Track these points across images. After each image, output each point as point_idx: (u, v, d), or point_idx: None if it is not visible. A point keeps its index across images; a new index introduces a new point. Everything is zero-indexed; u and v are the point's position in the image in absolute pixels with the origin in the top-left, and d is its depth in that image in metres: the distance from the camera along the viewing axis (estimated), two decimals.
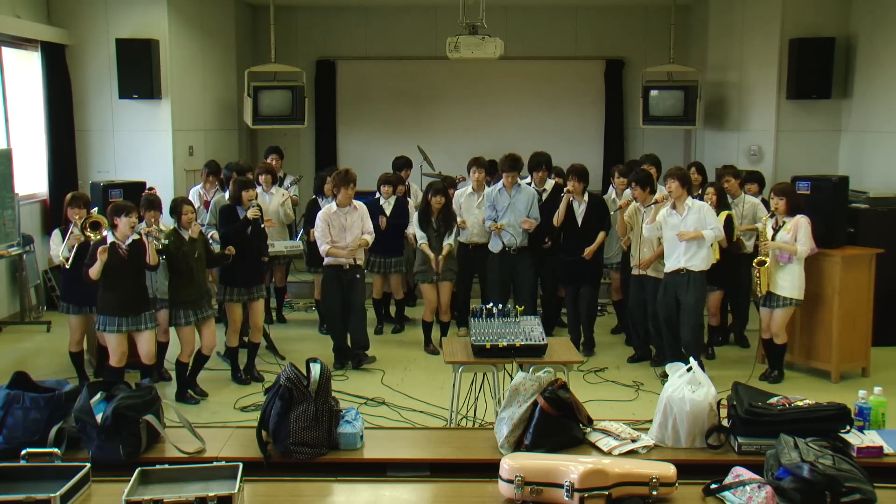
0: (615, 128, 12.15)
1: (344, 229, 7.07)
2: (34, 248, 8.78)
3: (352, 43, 12.11)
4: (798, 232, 6.46)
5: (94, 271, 5.70)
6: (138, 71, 9.26)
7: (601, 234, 7.39)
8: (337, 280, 7.14)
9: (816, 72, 9.42)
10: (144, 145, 9.62)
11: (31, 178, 9.12)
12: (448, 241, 7.49)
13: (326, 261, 7.17)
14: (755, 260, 6.64)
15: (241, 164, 8.66)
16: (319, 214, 7.16)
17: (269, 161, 8.75)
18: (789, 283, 6.54)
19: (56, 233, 6.48)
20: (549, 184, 7.86)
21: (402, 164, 8.92)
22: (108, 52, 9.38)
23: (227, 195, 7.60)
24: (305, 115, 10.78)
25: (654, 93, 10.72)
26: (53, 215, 9.18)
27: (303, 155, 12.20)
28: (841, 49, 9.54)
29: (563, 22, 12.03)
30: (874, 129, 9.19)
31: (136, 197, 6.77)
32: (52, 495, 2.57)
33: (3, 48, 8.70)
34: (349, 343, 7.30)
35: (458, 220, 7.64)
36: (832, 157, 9.80)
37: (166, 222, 6.69)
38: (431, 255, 7.44)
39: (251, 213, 6.64)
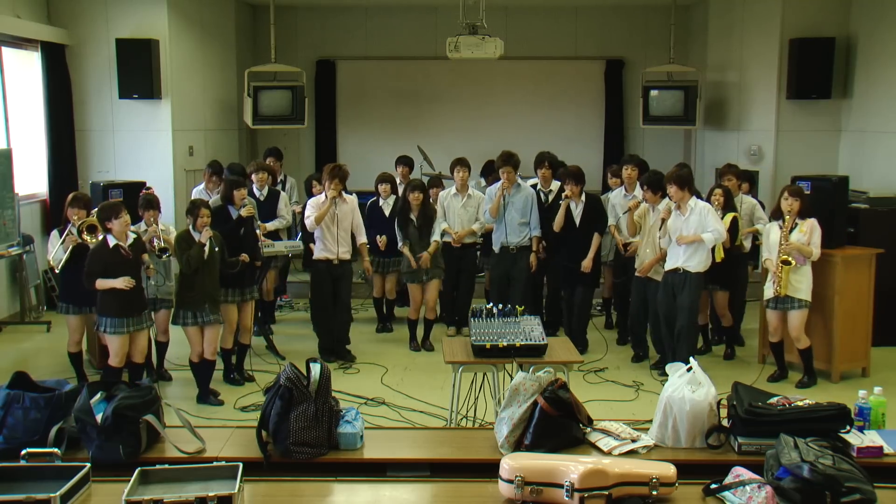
0: (615, 128, 12.15)
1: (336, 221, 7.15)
2: (34, 248, 8.78)
3: (352, 43, 12.11)
4: (812, 235, 6.46)
5: (101, 286, 5.72)
6: (138, 71, 9.26)
7: (596, 238, 7.34)
8: (327, 273, 7.18)
9: (816, 72, 9.43)
10: (144, 145, 9.62)
11: (31, 178, 9.12)
12: (434, 238, 7.52)
13: (316, 255, 7.21)
14: (779, 259, 6.48)
15: (243, 167, 8.64)
16: (310, 202, 7.27)
17: (267, 162, 8.66)
18: (805, 285, 6.52)
19: (54, 233, 6.43)
20: (556, 185, 7.76)
21: (402, 163, 8.92)
22: (108, 52, 9.38)
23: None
24: (305, 115, 10.78)
25: (654, 93, 10.72)
26: (53, 215, 9.17)
27: (303, 155, 12.20)
28: (841, 49, 9.54)
29: (563, 22, 12.03)
30: (874, 129, 9.19)
31: (136, 197, 6.75)
32: (52, 495, 2.57)
33: (3, 48, 8.69)
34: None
35: (440, 221, 7.67)
36: (832, 157, 9.80)
37: (165, 222, 6.67)
38: (410, 255, 7.52)
39: (245, 212, 6.54)
